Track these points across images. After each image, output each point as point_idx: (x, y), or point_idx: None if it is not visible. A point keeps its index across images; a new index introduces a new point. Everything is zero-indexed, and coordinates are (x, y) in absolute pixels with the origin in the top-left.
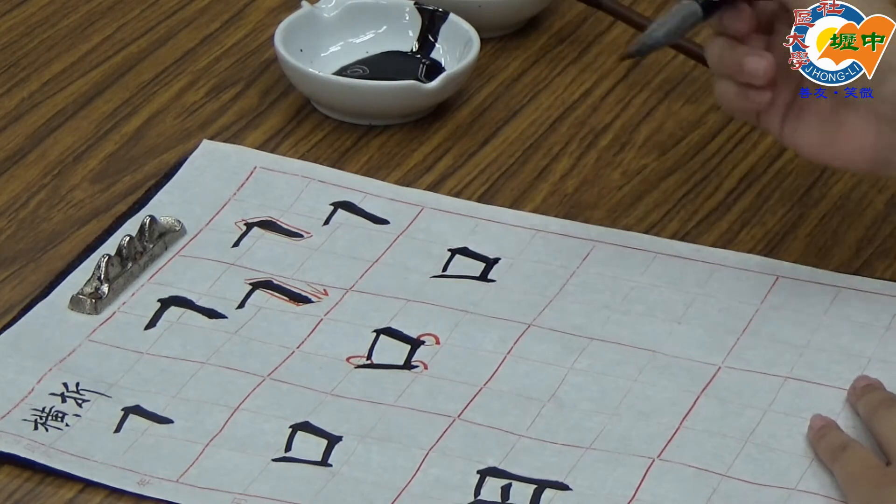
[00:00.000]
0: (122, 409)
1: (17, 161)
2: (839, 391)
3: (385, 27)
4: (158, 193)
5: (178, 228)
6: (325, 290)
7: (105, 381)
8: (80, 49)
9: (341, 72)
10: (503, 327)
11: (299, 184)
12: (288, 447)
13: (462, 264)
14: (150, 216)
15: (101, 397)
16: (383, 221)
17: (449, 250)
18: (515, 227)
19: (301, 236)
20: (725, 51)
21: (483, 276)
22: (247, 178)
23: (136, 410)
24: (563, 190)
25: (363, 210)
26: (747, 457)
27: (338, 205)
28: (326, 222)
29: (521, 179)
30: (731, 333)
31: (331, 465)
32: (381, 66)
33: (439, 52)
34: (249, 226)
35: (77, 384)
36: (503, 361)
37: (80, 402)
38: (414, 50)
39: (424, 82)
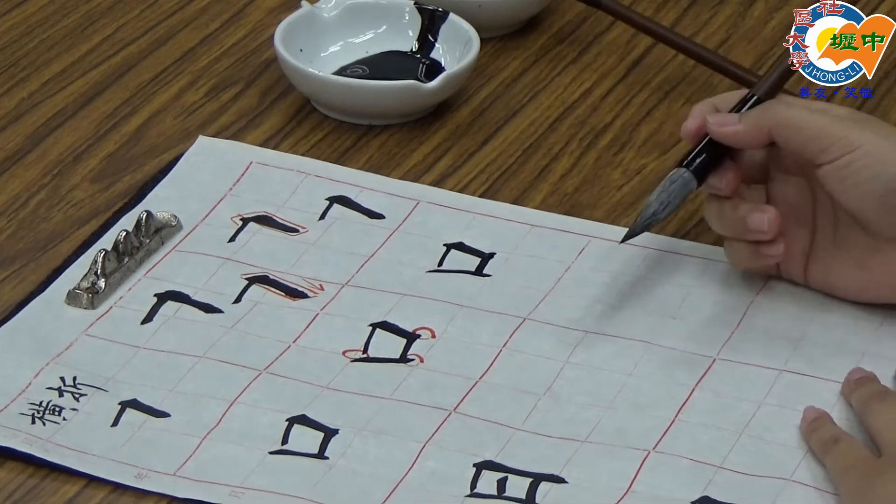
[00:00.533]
0: (120, 403)
1: (17, 161)
2: (834, 384)
3: (385, 27)
4: (155, 189)
5: (174, 224)
6: (321, 284)
7: (102, 376)
8: (80, 49)
9: (341, 72)
10: (499, 321)
11: (295, 179)
12: (284, 440)
13: (458, 259)
14: (146, 211)
15: (99, 391)
16: (379, 216)
17: (444, 245)
18: (511, 222)
19: (297, 231)
20: (725, 212)
21: (479, 271)
22: (243, 174)
23: (133, 404)
24: (563, 190)
25: (359, 205)
26: (742, 448)
27: (333, 199)
28: (322, 217)
29: (521, 179)
30: (726, 326)
31: (327, 458)
32: (380, 66)
33: (439, 52)
34: (245, 221)
35: (74, 378)
36: (499, 355)
37: (77, 396)
38: (414, 50)
39: (424, 82)
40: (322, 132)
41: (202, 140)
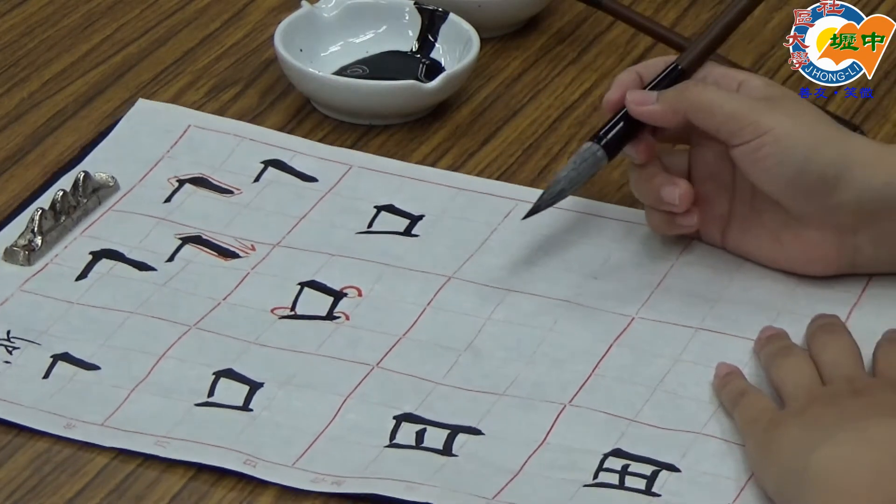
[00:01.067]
0: (52, 357)
1: (17, 161)
2: (747, 341)
3: (385, 27)
4: (94, 150)
5: (111, 184)
6: (252, 245)
7: (35, 330)
8: (80, 49)
9: (341, 72)
10: (424, 280)
11: (231, 142)
12: (211, 393)
13: (387, 220)
14: (84, 172)
15: (31, 345)
16: (312, 179)
17: (375, 207)
18: (440, 186)
19: (231, 193)
20: (642, 182)
21: (407, 232)
22: (180, 136)
23: (65, 357)
24: None
25: (292, 168)
26: (656, 403)
27: (268, 163)
28: (256, 180)
29: (521, 179)
30: (646, 287)
31: (251, 410)
32: (381, 66)
33: (439, 52)
34: (181, 182)
35: (8, 332)
36: (423, 312)
37: (10, 349)
38: (414, 50)
39: (424, 82)
40: (322, 132)
41: (141, 103)
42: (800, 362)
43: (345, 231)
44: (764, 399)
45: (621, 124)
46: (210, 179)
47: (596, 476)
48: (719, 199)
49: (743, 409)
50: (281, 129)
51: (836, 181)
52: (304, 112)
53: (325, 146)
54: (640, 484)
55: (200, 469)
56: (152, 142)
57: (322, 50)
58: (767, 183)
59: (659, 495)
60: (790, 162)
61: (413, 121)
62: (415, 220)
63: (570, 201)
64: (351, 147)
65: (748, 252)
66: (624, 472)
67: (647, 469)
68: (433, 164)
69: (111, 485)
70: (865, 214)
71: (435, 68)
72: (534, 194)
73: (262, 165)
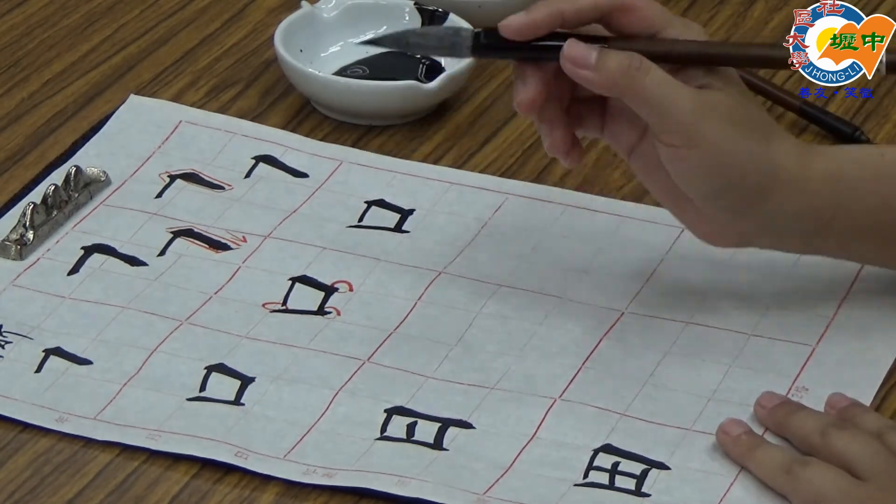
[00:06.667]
0: (44, 351)
1: (17, 161)
2: (737, 334)
3: (385, 27)
4: (86, 145)
5: (103, 179)
6: (243, 236)
7: (27, 324)
8: (80, 49)
9: (341, 72)
10: (415, 275)
11: (222, 137)
12: (202, 387)
13: (378, 215)
14: (75, 166)
15: (24, 339)
16: (303, 175)
17: (365, 202)
18: (431, 181)
19: (223, 188)
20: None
21: (398, 227)
22: (172, 132)
23: (57, 352)
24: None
25: (284, 164)
26: (646, 396)
27: (259, 158)
28: (248, 175)
29: (521, 179)
30: (636, 281)
31: (243, 405)
32: (381, 66)
33: None
34: (173, 178)
35: (0, 327)
36: (414, 307)
37: (2, 343)
38: None
39: (424, 82)
40: (322, 132)
41: (133, 98)
42: (856, 432)
43: (335, 225)
44: (831, 468)
45: (525, 51)
46: (201, 175)
47: (586, 475)
48: (628, 130)
49: (809, 482)
50: (281, 130)
51: (750, 204)
52: (304, 112)
53: (317, 142)
54: (630, 484)
55: (201, 469)
56: (144, 137)
57: (322, 50)
58: (682, 184)
59: (649, 495)
60: (709, 180)
61: (413, 121)
62: (405, 214)
63: (558, 195)
64: (351, 147)
65: (650, 188)
66: (614, 470)
67: (637, 468)
68: (433, 165)
69: (111, 485)
70: (771, 232)
71: (435, 68)
72: (523, 188)
73: (254, 161)
